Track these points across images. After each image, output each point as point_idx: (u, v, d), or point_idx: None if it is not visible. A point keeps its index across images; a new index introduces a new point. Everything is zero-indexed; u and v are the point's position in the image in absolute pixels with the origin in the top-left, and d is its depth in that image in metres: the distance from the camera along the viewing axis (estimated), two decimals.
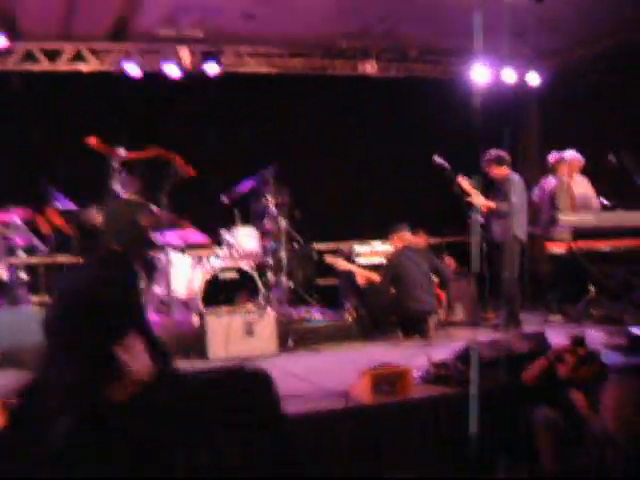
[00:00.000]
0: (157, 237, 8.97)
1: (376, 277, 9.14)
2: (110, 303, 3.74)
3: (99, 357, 3.45)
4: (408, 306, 8.91)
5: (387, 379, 6.38)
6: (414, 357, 7.63)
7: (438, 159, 9.04)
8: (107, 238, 4.59)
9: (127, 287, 4.36)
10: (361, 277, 9.25)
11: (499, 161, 9.25)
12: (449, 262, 10.25)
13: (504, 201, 9.10)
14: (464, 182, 9.09)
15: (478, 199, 9.15)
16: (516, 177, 9.32)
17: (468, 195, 9.14)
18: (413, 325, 8.99)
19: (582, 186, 10.24)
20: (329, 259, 9.66)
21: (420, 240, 9.85)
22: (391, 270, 9.12)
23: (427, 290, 9.05)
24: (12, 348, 7.44)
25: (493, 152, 9.31)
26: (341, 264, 9.54)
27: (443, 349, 7.61)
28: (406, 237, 9.29)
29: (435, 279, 9.28)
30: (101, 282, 4.05)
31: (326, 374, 7.37)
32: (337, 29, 11.04)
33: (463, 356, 6.90)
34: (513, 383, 6.54)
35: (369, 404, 6.24)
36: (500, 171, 9.26)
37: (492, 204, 9.19)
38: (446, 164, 9.02)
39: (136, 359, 3.68)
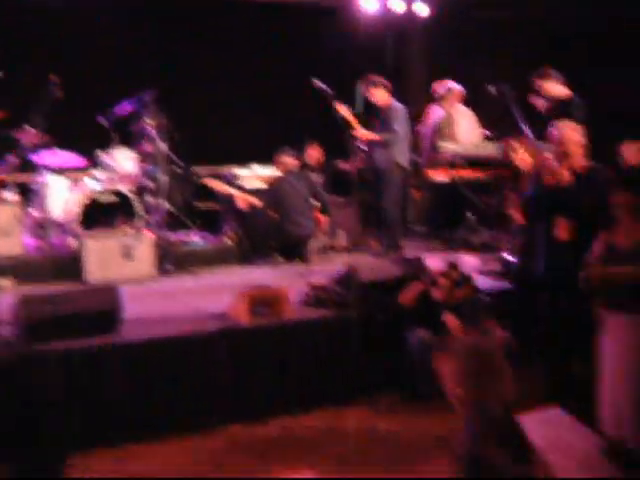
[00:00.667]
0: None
1: (256, 201, 9.09)
2: None
3: None
4: (288, 230, 8.91)
5: (264, 300, 6.43)
6: (294, 280, 7.70)
7: (317, 82, 8.98)
8: None
9: None
10: (241, 201, 9.17)
11: (375, 84, 9.20)
12: None
13: (385, 129, 9.09)
14: (343, 109, 9.06)
15: (358, 130, 9.15)
16: (399, 105, 9.31)
17: (348, 123, 9.13)
18: (293, 249, 9.01)
19: (466, 116, 10.35)
20: (208, 182, 9.54)
21: (300, 161, 9.78)
22: (271, 194, 9.08)
23: (306, 215, 9.05)
24: None
25: (372, 76, 9.27)
26: (220, 187, 9.43)
27: (323, 273, 7.67)
28: (288, 161, 9.24)
29: (316, 204, 9.28)
30: None
31: (204, 296, 7.40)
32: None
33: (343, 280, 6.99)
34: (390, 306, 6.66)
35: (246, 325, 6.27)
36: (381, 97, 9.22)
37: (372, 135, 9.18)
38: (326, 88, 8.98)
39: None
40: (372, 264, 7.60)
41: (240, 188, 9.50)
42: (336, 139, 9.40)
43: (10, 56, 9.15)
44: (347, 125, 9.13)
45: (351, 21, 11.66)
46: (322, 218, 9.36)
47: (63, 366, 5.52)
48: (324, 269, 8.19)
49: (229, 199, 9.29)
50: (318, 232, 9.26)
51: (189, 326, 6.28)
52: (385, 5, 11.88)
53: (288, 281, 7.58)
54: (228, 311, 6.44)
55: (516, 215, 7.26)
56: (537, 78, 8.41)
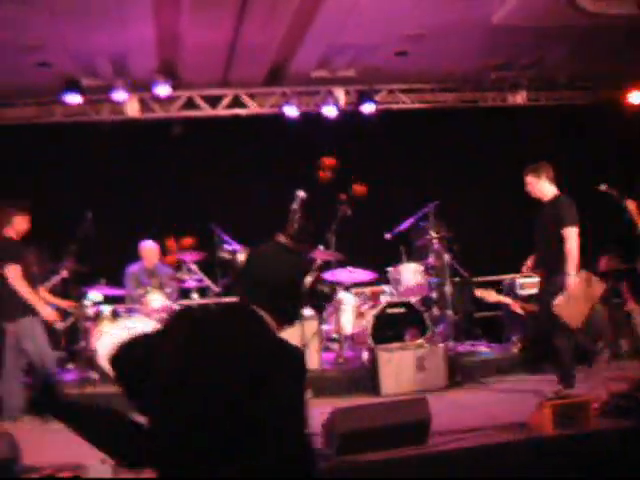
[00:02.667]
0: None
1: (532, 307, 9.02)
2: None
3: None
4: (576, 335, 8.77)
5: (568, 410, 6.31)
6: (589, 387, 7.52)
7: (603, 186, 8.88)
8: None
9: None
10: (518, 308, 9.17)
11: None
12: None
13: None
14: (631, 205, 8.86)
15: None
16: None
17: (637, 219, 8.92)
18: (582, 354, 8.83)
19: None
20: (480, 292, 9.55)
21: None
22: None
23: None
24: None
25: None
26: (493, 297, 9.44)
27: (620, 379, 7.46)
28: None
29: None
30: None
31: (499, 406, 7.37)
32: (486, 62, 11.09)
33: None
34: None
35: (550, 435, 6.19)
36: None
37: None
38: (612, 190, 8.86)
39: None
40: None
41: (516, 296, 9.51)
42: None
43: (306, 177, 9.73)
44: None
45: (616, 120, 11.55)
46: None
47: (376, 477, 5.69)
48: (617, 375, 7.97)
49: (508, 307, 9.33)
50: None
51: (493, 435, 6.29)
52: None
53: (583, 388, 7.43)
54: (530, 421, 6.39)
55: None
56: None
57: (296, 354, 2.85)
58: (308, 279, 3.04)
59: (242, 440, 2.68)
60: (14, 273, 7.65)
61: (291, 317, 3.10)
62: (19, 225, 7.92)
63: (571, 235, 7.41)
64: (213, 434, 2.70)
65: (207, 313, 3.45)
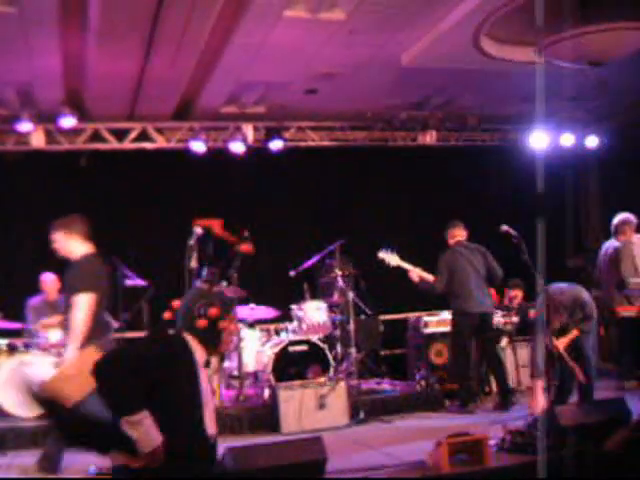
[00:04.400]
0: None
1: (430, 276, 9.12)
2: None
3: None
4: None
5: (464, 448, 6.34)
6: (487, 425, 7.60)
7: (505, 227, 9.02)
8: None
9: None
10: (414, 275, 9.16)
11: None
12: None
13: None
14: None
15: None
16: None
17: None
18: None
19: None
20: (381, 254, 9.33)
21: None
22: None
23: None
24: None
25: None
26: (393, 260, 9.27)
27: (517, 417, 7.55)
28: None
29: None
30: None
31: (400, 444, 7.38)
32: (397, 101, 11.23)
33: (541, 423, 6.82)
34: (593, 451, 6.43)
35: (447, 473, 6.20)
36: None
37: None
38: (513, 231, 9.00)
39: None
40: (572, 407, 7.38)
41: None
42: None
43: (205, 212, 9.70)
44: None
45: (523, 160, 11.79)
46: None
47: None
48: (515, 412, 8.07)
49: (418, 345, 9.37)
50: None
51: (389, 474, 6.28)
52: (555, 141, 12.05)
53: (482, 426, 7.50)
54: (427, 459, 6.40)
55: None
56: None
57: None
58: (211, 311, 4.36)
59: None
60: None
61: (208, 342, 4.45)
62: None
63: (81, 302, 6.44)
64: None
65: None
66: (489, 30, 8.79)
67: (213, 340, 4.48)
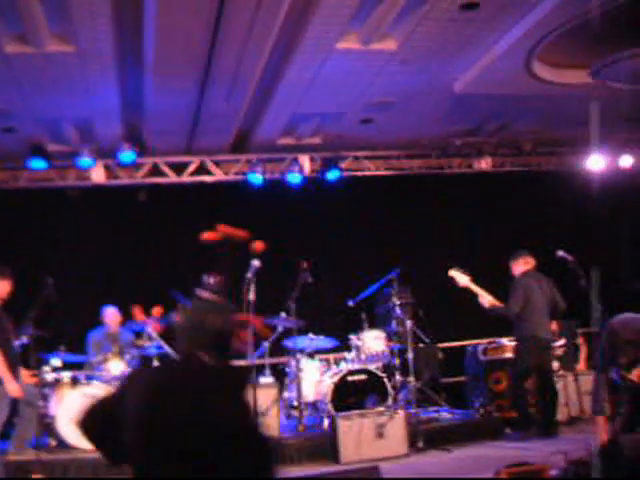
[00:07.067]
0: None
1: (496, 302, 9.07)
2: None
3: None
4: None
5: (525, 477, 6.27)
6: (549, 455, 7.48)
7: (561, 253, 8.94)
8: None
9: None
10: (485, 301, 9.08)
11: None
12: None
13: None
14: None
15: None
16: None
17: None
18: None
19: None
20: (452, 272, 9.26)
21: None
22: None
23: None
24: None
25: None
26: (462, 280, 9.18)
27: (578, 445, 7.42)
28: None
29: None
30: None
31: (459, 473, 7.33)
32: (451, 128, 11.25)
33: (605, 454, 6.70)
34: None
35: None
36: None
37: None
38: (569, 257, 8.91)
39: None
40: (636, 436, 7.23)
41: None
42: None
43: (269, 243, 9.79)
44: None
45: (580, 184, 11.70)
46: None
47: None
48: (578, 440, 7.94)
49: (476, 375, 9.30)
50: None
51: None
52: (613, 164, 11.98)
53: (542, 455, 7.39)
54: None
55: None
56: None
57: (232, 370, 3.79)
58: (218, 319, 3.71)
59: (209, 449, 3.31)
60: None
61: (222, 351, 3.70)
62: None
63: None
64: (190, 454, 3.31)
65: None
66: (541, 54, 8.78)
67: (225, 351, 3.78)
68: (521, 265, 9.29)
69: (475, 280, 9.34)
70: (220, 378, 3.61)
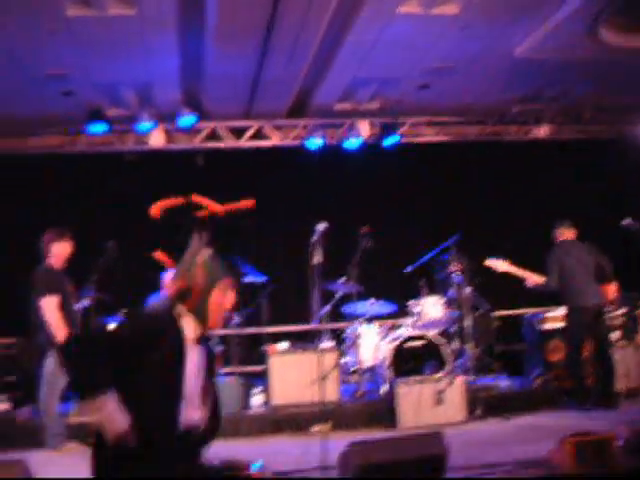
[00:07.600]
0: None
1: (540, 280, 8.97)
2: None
3: None
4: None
5: (591, 447, 6.21)
6: (610, 424, 7.42)
7: (627, 221, 8.81)
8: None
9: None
10: (530, 281, 9.01)
11: None
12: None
13: None
14: None
15: None
16: None
17: None
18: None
19: None
20: (489, 262, 9.16)
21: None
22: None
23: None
24: None
25: None
26: (501, 266, 9.15)
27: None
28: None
29: None
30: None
31: (519, 442, 7.28)
32: (509, 95, 11.10)
33: None
34: None
35: (573, 472, 6.09)
36: None
37: None
38: (635, 225, 8.78)
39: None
40: None
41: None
42: None
43: (327, 209, 9.76)
44: None
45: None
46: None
47: None
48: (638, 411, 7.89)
49: (533, 342, 9.24)
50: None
51: (513, 472, 6.21)
52: None
53: (603, 425, 7.33)
54: (550, 457, 6.30)
55: None
56: None
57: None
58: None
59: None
60: (49, 305, 7.49)
61: (200, 315, 4.03)
62: (60, 252, 7.81)
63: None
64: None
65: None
66: (608, 18, 8.60)
67: (202, 313, 4.03)
68: (558, 237, 9.20)
69: (527, 248, 9.27)
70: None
